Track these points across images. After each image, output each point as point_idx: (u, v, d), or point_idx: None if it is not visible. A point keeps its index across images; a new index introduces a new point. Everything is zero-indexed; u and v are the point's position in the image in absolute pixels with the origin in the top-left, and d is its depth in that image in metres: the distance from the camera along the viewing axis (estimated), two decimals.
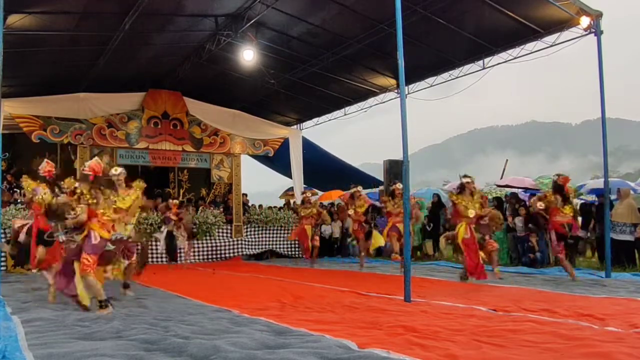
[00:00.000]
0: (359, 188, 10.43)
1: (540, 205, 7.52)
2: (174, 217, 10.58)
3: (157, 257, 11.21)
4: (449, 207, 8.76)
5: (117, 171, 5.91)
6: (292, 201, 16.59)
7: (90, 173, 5.10)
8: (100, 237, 5.07)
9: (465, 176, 7.43)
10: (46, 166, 6.18)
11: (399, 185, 9.31)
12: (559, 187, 7.44)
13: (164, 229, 10.71)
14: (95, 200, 5.07)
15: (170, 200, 10.97)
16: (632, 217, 9.07)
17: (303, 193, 11.50)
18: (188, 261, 11.21)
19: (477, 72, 10.95)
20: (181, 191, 14.58)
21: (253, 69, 11.24)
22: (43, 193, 5.93)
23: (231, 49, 10.57)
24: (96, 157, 5.71)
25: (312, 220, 11.00)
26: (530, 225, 8.64)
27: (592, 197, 12.74)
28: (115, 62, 10.47)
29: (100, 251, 5.05)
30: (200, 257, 12.48)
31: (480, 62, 10.74)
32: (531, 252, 9.65)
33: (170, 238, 10.65)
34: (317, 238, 11.49)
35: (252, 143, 14.04)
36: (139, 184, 5.87)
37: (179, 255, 11.03)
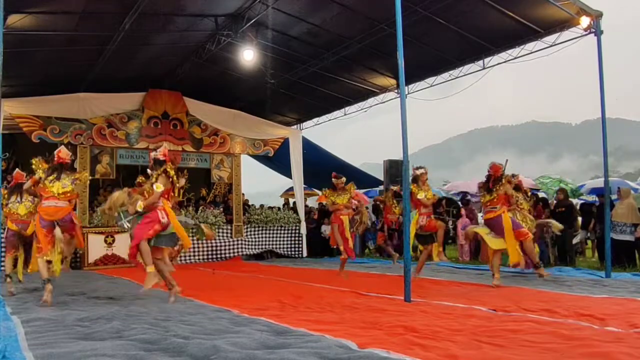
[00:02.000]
0: (424, 169, 8.04)
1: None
2: None
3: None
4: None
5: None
6: (292, 201, 16.60)
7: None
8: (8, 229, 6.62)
9: None
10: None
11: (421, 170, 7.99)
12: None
13: None
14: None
15: None
16: (632, 217, 9.08)
17: (335, 177, 8.72)
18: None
19: (477, 72, 10.93)
20: (181, 191, 14.55)
21: (253, 69, 11.23)
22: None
23: (231, 49, 10.57)
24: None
25: (349, 211, 8.59)
26: None
27: (592, 197, 12.78)
28: (115, 62, 10.47)
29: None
30: (200, 257, 12.49)
31: (480, 62, 10.72)
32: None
33: None
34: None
35: (252, 143, 14.04)
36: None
37: None
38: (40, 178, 5.88)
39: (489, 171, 7.24)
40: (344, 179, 8.68)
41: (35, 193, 6.29)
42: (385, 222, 10.83)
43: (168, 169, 5.83)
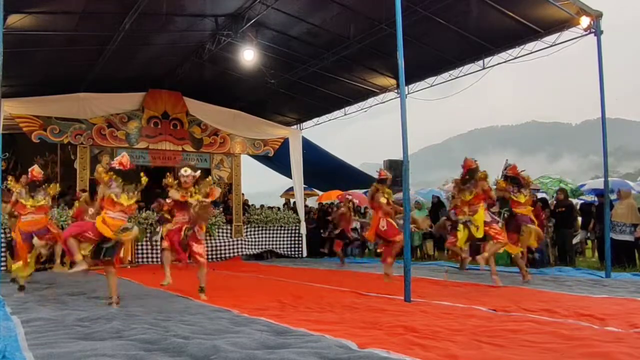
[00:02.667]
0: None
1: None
2: (167, 216, 10.26)
3: (157, 258, 11.17)
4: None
5: (187, 172, 6.25)
6: (292, 201, 16.61)
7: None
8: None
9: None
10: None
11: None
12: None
13: (160, 229, 10.44)
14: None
15: (161, 200, 10.55)
16: (632, 217, 9.07)
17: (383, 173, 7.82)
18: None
19: (477, 72, 10.95)
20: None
21: (253, 69, 11.24)
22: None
23: (231, 49, 10.57)
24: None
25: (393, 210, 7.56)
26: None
27: (591, 197, 12.77)
28: (115, 62, 10.47)
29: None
30: None
31: (480, 62, 10.74)
32: (531, 252, 9.62)
33: None
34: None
35: (252, 143, 14.04)
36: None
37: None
38: (16, 200, 6.68)
39: (508, 172, 7.20)
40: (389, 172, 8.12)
41: (13, 214, 7.01)
42: (346, 231, 11.18)
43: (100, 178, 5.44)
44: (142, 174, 5.67)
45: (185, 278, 6.92)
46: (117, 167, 5.38)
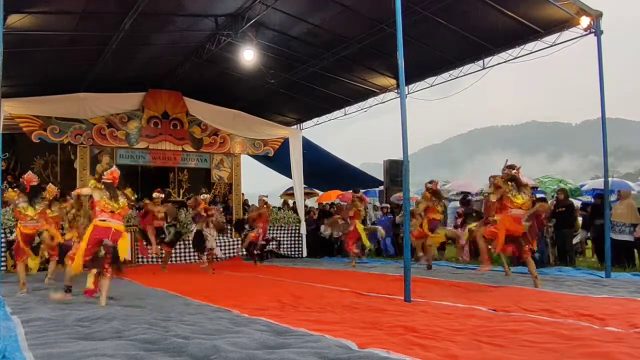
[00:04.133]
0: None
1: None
2: (203, 214, 9.91)
3: (156, 258, 11.14)
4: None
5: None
6: (290, 202, 16.60)
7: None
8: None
9: None
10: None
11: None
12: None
13: (194, 227, 10.15)
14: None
15: (199, 196, 10.27)
16: (632, 217, 9.07)
17: None
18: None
19: (477, 72, 10.94)
20: (181, 191, 14.58)
21: (253, 69, 11.23)
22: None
23: (231, 49, 10.57)
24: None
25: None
26: None
27: (588, 198, 12.79)
28: (115, 62, 10.47)
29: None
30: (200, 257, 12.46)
31: (480, 62, 10.73)
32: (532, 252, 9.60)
33: (200, 237, 9.97)
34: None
35: (252, 143, 14.04)
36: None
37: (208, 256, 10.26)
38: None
39: (510, 172, 6.98)
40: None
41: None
42: (263, 231, 11.39)
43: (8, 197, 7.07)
44: (50, 185, 7.50)
45: (185, 278, 6.92)
46: (23, 183, 6.83)
